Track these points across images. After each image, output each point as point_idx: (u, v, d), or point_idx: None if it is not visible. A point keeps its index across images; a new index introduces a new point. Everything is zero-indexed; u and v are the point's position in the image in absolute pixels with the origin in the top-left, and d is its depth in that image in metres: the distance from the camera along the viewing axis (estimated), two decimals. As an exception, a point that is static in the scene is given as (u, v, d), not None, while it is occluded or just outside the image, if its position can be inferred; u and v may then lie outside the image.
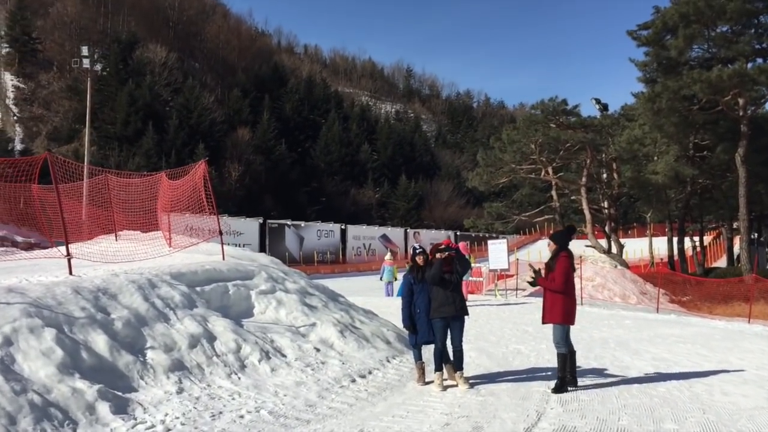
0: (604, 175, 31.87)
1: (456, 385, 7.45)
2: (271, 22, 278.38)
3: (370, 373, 7.87)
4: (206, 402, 6.15)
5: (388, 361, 8.61)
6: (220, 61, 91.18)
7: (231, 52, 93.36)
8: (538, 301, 19.60)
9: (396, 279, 23.65)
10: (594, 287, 21.65)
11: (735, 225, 37.36)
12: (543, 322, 7.47)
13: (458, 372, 7.53)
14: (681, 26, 24.00)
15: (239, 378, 6.90)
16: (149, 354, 6.65)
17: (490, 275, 22.25)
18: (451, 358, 7.60)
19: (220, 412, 5.91)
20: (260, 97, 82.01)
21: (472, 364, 8.79)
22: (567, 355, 7.37)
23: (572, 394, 7.11)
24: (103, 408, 5.42)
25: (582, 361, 9.14)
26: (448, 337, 7.51)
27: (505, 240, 21.19)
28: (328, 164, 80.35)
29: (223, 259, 10.26)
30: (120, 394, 5.80)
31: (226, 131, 70.25)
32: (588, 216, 26.58)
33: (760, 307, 20.15)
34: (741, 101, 23.62)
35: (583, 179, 26.81)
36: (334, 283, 32.09)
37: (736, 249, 34.88)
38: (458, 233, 71.41)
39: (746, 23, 25.66)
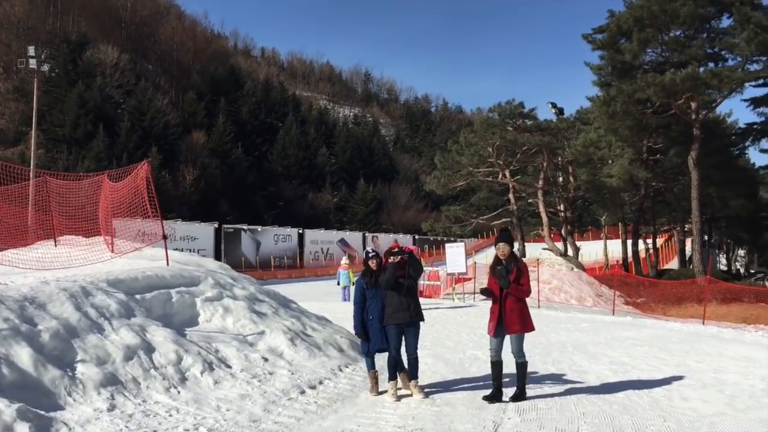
0: (561, 179, 32.07)
1: (411, 395, 7.13)
2: (228, 24, 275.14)
3: (321, 383, 7.50)
4: (140, 420, 5.68)
5: (341, 369, 8.24)
6: (174, 63, 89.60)
7: (186, 54, 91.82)
8: (490, 303, 19.59)
9: (353, 283, 23.32)
10: (551, 290, 21.63)
11: (687, 227, 37.99)
12: (516, 332, 6.81)
13: (413, 381, 7.21)
14: (635, 30, 24.23)
15: (179, 392, 6.45)
16: (79, 368, 6.15)
17: (448, 279, 22.05)
18: (406, 366, 7.29)
19: (155, 431, 5.47)
20: (216, 99, 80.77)
21: (428, 372, 8.49)
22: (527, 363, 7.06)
23: (530, 402, 6.84)
24: (23, 429, 4.92)
25: (540, 367, 8.93)
26: (403, 344, 7.21)
27: (462, 244, 21.03)
28: (286, 168, 79.55)
29: (168, 264, 9.76)
30: (43, 413, 5.30)
31: (181, 134, 68.95)
32: (545, 219, 26.61)
33: (712, 308, 20.38)
34: (693, 105, 23.93)
35: (540, 182, 26.84)
36: (292, 288, 31.80)
37: (688, 251, 35.44)
38: (417, 237, 71.35)
39: (699, 27, 26.06)
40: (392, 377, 7.13)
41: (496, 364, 6.91)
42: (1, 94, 62.81)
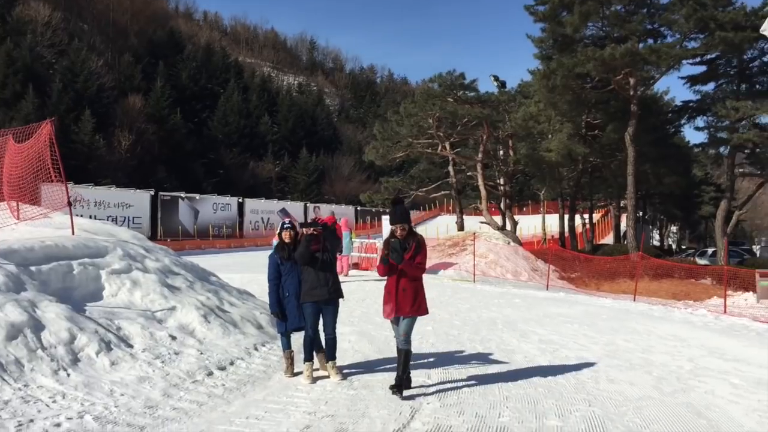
0: (501, 152, 31.95)
1: (328, 377, 6.71)
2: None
3: (232, 363, 6.99)
4: (16, 407, 5.07)
5: (256, 348, 7.74)
6: (110, 24, 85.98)
7: (123, 15, 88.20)
8: (429, 279, 19.28)
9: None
10: (487, 264, 21.51)
11: (622, 203, 38.61)
12: (406, 314, 6.01)
13: (330, 362, 6.78)
14: (577, 3, 23.97)
15: (68, 375, 5.84)
16: (-50, 349, 5.50)
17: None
18: (324, 346, 6.85)
19: (31, 420, 4.87)
20: (154, 63, 77.93)
21: (350, 351, 8.09)
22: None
23: (452, 384, 6.51)
24: None
25: (467, 345, 8.63)
26: (321, 323, 6.76)
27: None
28: (227, 135, 77.68)
29: (73, 233, 9.03)
30: None
31: (117, 98, 66.30)
32: (483, 192, 26.38)
33: (644, 283, 20.63)
34: (632, 81, 23.91)
35: (480, 155, 26.54)
36: (230, 258, 31.02)
37: (623, 227, 36.03)
38: (359, 208, 70.92)
39: (639, 3, 26.00)
40: (308, 358, 6.68)
41: (404, 351, 6.12)
42: None
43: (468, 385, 6.48)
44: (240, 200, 64.47)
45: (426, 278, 18.07)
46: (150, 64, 77.71)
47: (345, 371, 6.95)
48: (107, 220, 50.65)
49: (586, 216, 38.89)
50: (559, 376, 6.95)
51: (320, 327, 6.72)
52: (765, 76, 27.91)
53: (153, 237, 52.78)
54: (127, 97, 66.42)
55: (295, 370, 6.80)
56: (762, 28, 13.42)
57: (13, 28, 61.98)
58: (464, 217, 32.22)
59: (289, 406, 5.69)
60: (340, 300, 6.89)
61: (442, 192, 33.33)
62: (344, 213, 76.08)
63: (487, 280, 19.95)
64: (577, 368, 7.35)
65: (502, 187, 30.84)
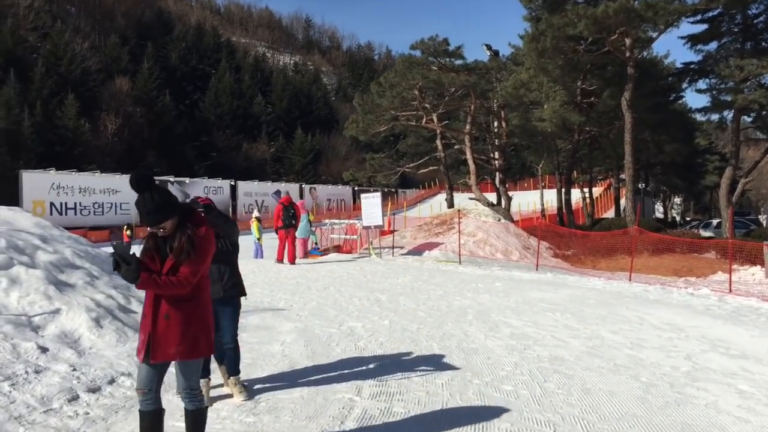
0: (495, 125, 30.30)
1: (231, 395, 5.33)
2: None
3: (112, 382, 5.58)
4: None
5: (157, 358, 6.35)
6: (97, 6, 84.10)
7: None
8: (412, 261, 17.87)
9: (258, 239, 21.57)
10: (475, 243, 20.09)
11: (622, 176, 37.03)
12: (171, 358, 3.64)
13: (232, 377, 5.40)
14: (567, -44, 22.12)
15: None
16: None
17: (364, 233, 20.26)
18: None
19: None
20: (143, 45, 76.24)
21: (278, 356, 6.70)
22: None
23: (385, 404, 5.10)
24: None
25: (423, 344, 7.23)
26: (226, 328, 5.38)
27: (378, 193, 19.14)
28: (219, 117, 76.12)
29: (-48, 223, 7.62)
30: None
31: (103, 81, 64.70)
32: (472, 166, 24.68)
33: (643, 259, 19.22)
34: (628, 41, 22.08)
35: (468, 127, 24.81)
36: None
37: (623, 200, 34.52)
38: (356, 188, 69.50)
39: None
40: (205, 373, 5.28)
41: (149, 415, 3.70)
42: None
43: (404, 405, 5.08)
44: (232, 183, 63.07)
45: (409, 260, 16.43)
46: (138, 45, 76.06)
47: (257, 386, 5.59)
48: (92, 206, 49.46)
49: (586, 190, 37.32)
50: (522, 386, 5.55)
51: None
52: (771, 33, 26.14)
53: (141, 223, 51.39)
54: (114, 80, 64.80)
55: (212, 385, 5.37)
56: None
57: (-7, 12, 60.28)
58: (454, 193, 30.69)
59: (155, 445, 4.29)
60: (243, 299, 5.51)
61: (430, 168, 31.69)
62: (341, 193, 75.00)
63: (475, 261, 18.55)
64: (547, 374, 5.95)
65: (495, 162, 29.19)
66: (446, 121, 29.94)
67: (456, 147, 30.69)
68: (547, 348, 7.03)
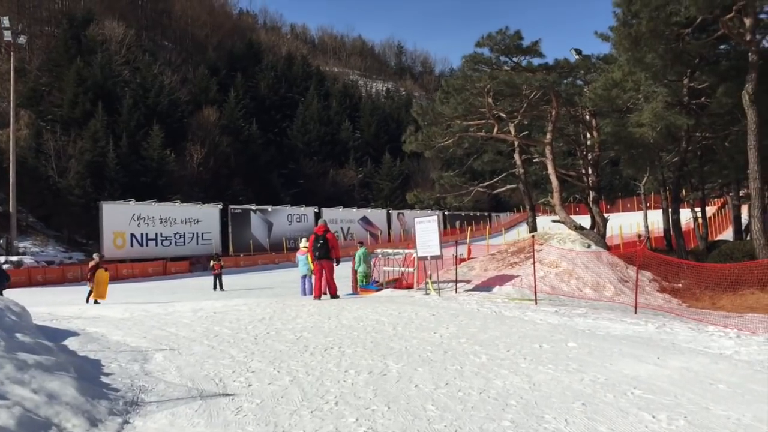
0: (588, 137, 26.29)
1: None
2: (256, 3, 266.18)
3: None
4: None
5: None
6: (189, 40, 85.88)
7: (202, 29, 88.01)
8: (476, 300, 14.27)
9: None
10: (558, 275, 16.40)
11: (741, 193, 31.78)
12: None
13: None
14: None
15: None
16: None
17: (420, 265, 16.97)
18: None
19: None
20: (232, 75, 76.77)
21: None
22: None
23: None
24: None
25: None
26: None
27: (435, 217, 15.93)
28: (306, 144, 75.21)
29: None
30: None
31: (191, 111, 65.09)
32: (555, 183, 20.55)
33: (779, 296, 14.87)
34: (748, 21, 17.59)
35: (548, 136, 20.86)
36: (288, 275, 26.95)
37: (744, 218, 29.40)
38: (446, 213, 66.12)
39: None
40: None
41: None
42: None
43: None
44: (316, 210, 61.44)
45: (473, 299, 12.32)
46: (228, 76, 76.69)
47: None
48: (174, 236, 48.62)
49: (698, 209, 32.30)
50: None
51: None
52: None
53: (224, 252, 50.32)
54: (202, 110, 65.02)
55: None
56: None
57: (85, 47, 61.83)
58: (542, 216, 26.79)
59: None
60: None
61: (508, 186, 27.94)
62: (430, 218, 71.64)
63: (557, 299, 14.89)
64: None
65: (588, 178, 25.18)
66: (525, 132, 26.19)
67: (537, 161, 26.84)
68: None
